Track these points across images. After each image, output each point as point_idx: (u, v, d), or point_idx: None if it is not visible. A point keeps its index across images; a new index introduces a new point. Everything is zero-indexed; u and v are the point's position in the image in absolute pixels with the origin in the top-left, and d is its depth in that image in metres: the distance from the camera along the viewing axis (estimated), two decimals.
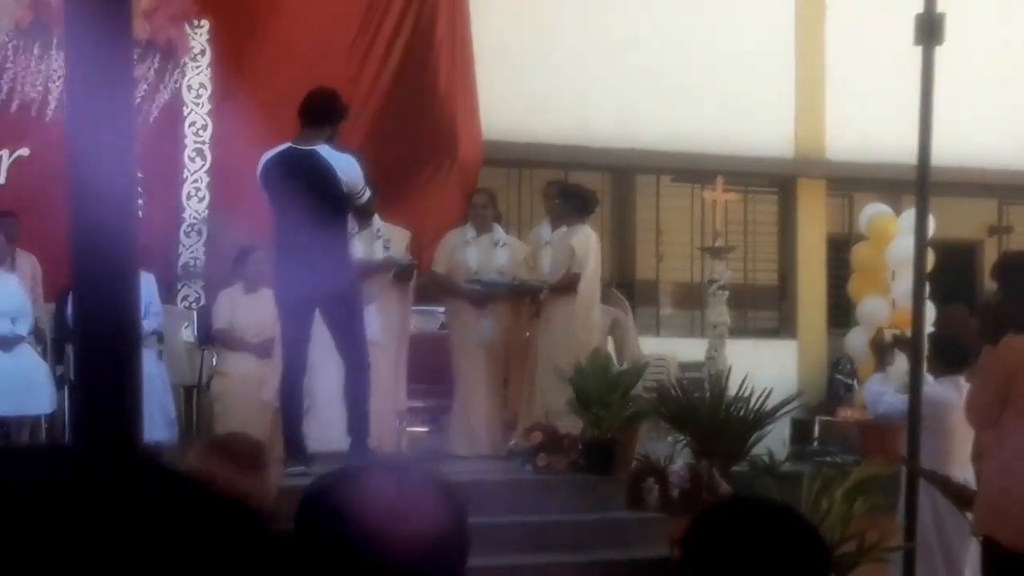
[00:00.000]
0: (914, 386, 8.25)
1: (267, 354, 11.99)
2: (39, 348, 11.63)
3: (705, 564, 2.60)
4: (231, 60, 13.63)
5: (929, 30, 7.82)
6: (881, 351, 9.70)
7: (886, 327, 11.39)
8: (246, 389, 11.76)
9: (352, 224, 10.93)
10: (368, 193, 10.28)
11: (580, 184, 13.32)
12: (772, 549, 2.58)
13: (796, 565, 2.58)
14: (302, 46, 14.08)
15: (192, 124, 13.44)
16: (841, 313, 16.28)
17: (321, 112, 10.16)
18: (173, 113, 13.40)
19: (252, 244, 12.30)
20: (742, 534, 2.60)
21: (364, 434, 10.14)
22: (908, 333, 9.05)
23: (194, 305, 13.21)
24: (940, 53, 7.85)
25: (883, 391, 9.27)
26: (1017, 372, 6.81)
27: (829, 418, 14.29)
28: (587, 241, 12.04)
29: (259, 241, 12.52)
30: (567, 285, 11.85)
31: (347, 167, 10.04)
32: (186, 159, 13.41)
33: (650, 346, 14.72)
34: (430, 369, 12.18)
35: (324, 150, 10.00)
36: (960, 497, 7.38)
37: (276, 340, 11.57)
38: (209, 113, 13.48)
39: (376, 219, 12.01)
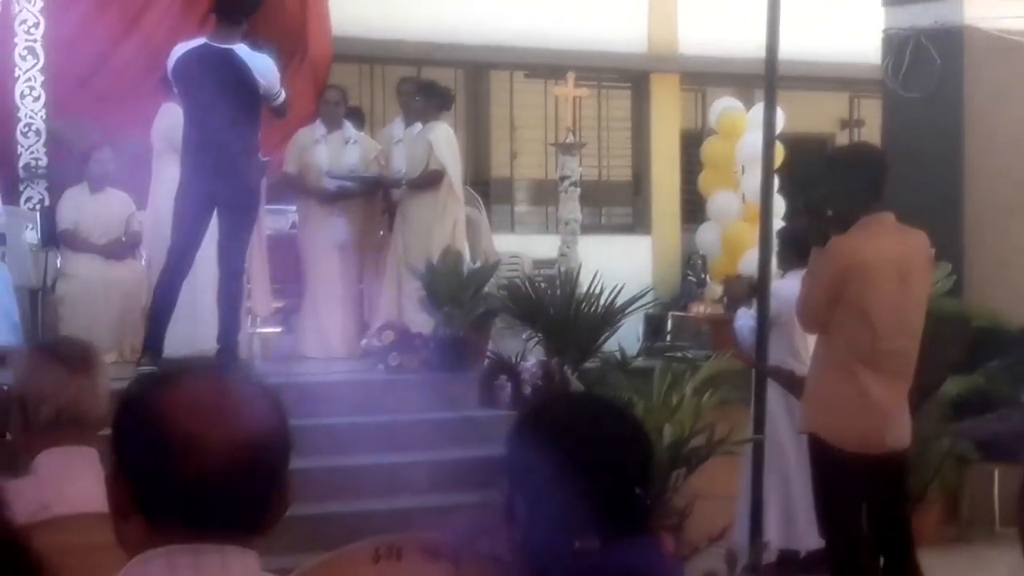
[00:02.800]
0: (762, 285, 8.31)
1: (113, 255, 11.80)
2: None
3: (530, 456, 2.60)
4: None
5: None
6: (737, 299, 9.76)
7: (736, 276, 11.48)
8: (92, 290, 11.59)
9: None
10: (284, 94, 10.21)
11: (435, 80, 13.19)
12: (594, 439, 2.58)
13: (619, 455, 2.58)
14: None
15: (23, 22, 13.07)
16: (694, 208, 16.35)
17: (236, 7, 10.01)
18: (4, 11, 13.03)
19: (96, 143, 12.06)
20: (564, 426, 2.61)
21: (234, 339, 10.12)
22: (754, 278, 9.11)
23: (38, 207, 12.92)
24: None
25: (747, 322, 9.27)
26: (847, 273, 6.80)
27: (682, 313, 14.38)
28: (446, 137, 11.94)
29: (103, 139, 12.30)
30: (428, 181, 11.75)
31: (264, 68, 9.95)
32: (17, 58, 13.06)
33: (506, 243, 14.71)
34: (281, 269, 12.05)
35: (242, 50, 9.88)
36: (802, 391, 7.44)
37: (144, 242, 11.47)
38: (41, 11, 13.12)
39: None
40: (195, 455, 2.19)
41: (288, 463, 2.32)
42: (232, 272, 10.10)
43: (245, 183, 10.01)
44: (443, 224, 11.71)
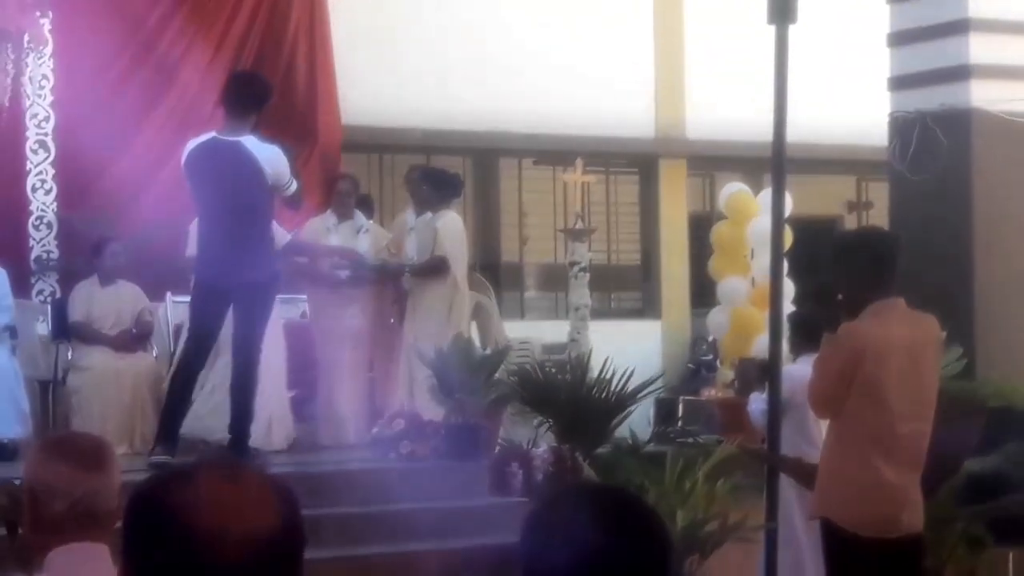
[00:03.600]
0: (773, 369, 8.28)
1: (124, 347, 11.83)
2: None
3: (544, 551, 2.57)
4: (74, 50, 13.37)
5: (782, 9, 7.82)
6: (748, 383, 9.70)
7: (747, 359, 11.47)
8: (104, 382, 11.62)
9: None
10: (295, 184, 10.21)
11: (444, 168, 13.24)
12: (608, 534, 2.55)
13: (635, 548, 2.55)
14: (149, 34, 13.85)
15: (35, 116, 13.18)
16: (703, 292, 16.35)
17: (244, 100, 10.07)
18: (14, 105, 13.13)
19: (108, 236, 12.12)
20: (578, 525, 2.58)
21: (246, 430, 10.11)
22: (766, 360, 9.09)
23: (49, 299, 12.96)
24: (794, 31, 7.85)
25: (761, 405, 9.25)
26: (860, 358, 6.78)
27: (693, 397, 14.35)
28: (453, 224, 11.97)
29: (114, 232, 12.36)
30: (432, 268, 11.77)
31: (273, 159, 9.96)
32: (28, 151, 13.15)
33: (515, 329, 14.70)
34: (293, 357, 12.05)
35: (249, 141, 9.91)
36: (808, 479, 7.39)
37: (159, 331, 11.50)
38: (51, 104, 13.22)
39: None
40: (210, 551, 2.17)
41: (303, 558, 2.30)
42: (246, 363, 10.09)
43: (259, 276, 10.04)
44: (452, 312, 11.72)
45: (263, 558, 2.21)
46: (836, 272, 7.06)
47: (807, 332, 8.52)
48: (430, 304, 11.78)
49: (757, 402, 9.39)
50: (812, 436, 8.62)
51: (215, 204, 9.89)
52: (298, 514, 2.30)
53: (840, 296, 7.06)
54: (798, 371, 8.39)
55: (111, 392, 11.58)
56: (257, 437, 10.49)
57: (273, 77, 14.25)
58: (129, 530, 2.29)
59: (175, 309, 12.58)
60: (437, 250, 11.76)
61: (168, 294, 12.68)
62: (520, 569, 2.60)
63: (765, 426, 8.89)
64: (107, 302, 11.97)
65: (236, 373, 10.13)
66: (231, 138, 9.94)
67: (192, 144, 10.15)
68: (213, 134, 10.15)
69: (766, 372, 9.17)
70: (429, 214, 12.00)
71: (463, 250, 12.06)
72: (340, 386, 11.94)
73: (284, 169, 10.05)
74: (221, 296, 10.02)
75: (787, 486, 8.51)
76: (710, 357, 15.83)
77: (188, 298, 11.91)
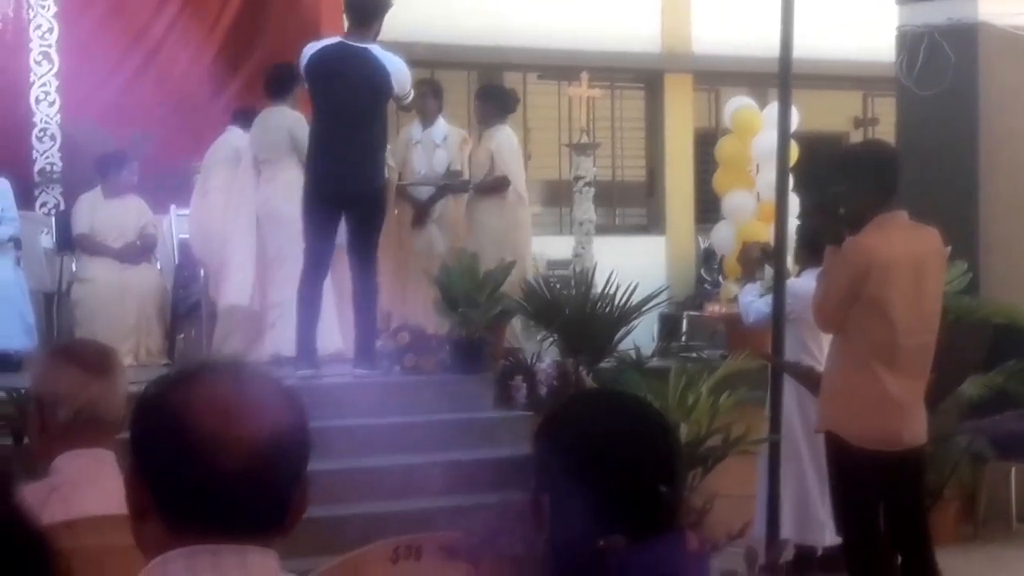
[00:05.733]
0: (778, 281, 8.29)
1: (128, 259, 11.82)
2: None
3: (556, 455, 2.60)
4: None
5: None
6: (750, 265, 9.70)
7: (752, 242, 11.37)
8: (108, 294, 11.63)
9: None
10: (412, 94, 10.60)
11: (498, 84, 13.31)
12: (619, 437, 2.58)
13: (644, 453, 2.58)
14: None
15: (38, 27, 13.09)
16: (708, 208, 16.32)
17: (370, 9, 10.20)
18: (17, 15, 13.06)
19: (124, 152, 12.09)
20: (588, 424, 2.60)
21: (371, 342, 10.26)
22: (771, 244, 9.09)
23: (53, 211, 12.95)
24: None
25: (753, 300, 9.31)
26: (865, 272, 6.78)
27: (697, 313, 14.36)
28: (509, 141, 12.10)
29: (116, 144, 12.34)
30: (496, 186, 11.91)
31: (399, 68, 10.17)
32: (32, 63, 13.09)
33: None
34: None
35: (377, 50, 10.11)
36: (817, 385, 7.42)
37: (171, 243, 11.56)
38: (55, 16, 13.14)
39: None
40: (214, 454, 2.19)
41: (307, 463, 2.31)
42: (365, 274, 10.18)
43: (376, 184, 10.15)
44: (518, 228, 11.89)
45: (267, 462, 2.22)
46: (839, 186, 7.05)
47: (812, 246, 8.51)
48: (487, 221, 11.91)
49: (749, 294, 9.40)
50: (812, 349, 8.63)
51: (340, 109, 9.94)
52: (305, 420, 2.32)
53: (843, 209, 7.05)
54: (801, 286, 8.39)
55: (115, 304, 11.60)
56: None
57: None
58: (135, 431, 2.30)
59: (179, 222, 12.57)
60: (496, 169, 11.88)
61: (172, 207, 12.65)
62: (532, 471, 2.62)
63: (752, 320, 9.07)
64: (111, 214, 11.95)
65: (358, 285, 10.22)
66: (360, 44, 10.06)
67: (315, 47, 10.25)
68: (339, 39, 10.31)
69: (767, 255, 9.20)
70: (483, 129, 12.30)
71: (520, 167, 12.21)
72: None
73: (407, 79, 10.32)
74: (334, 202, 10.05)
75: (787, 398, 8.54)
76: (716, 272, 15.83)
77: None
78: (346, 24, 10.56)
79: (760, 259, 9.49)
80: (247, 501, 2.21)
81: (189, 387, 2.26)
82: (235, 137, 11.78)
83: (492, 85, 13.31)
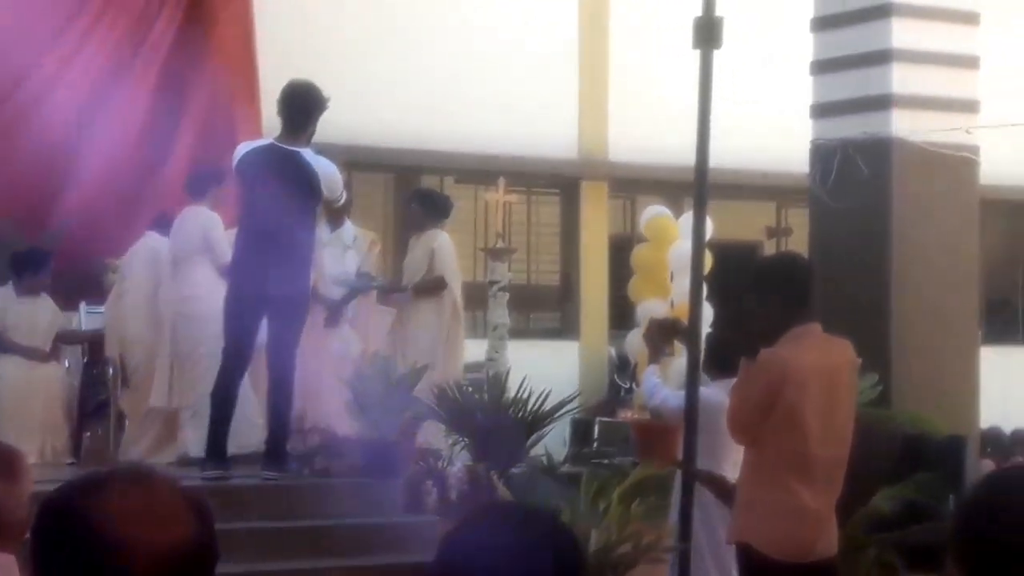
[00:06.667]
0: (691, 388, 8.27)
1: (38, 358, 11.71)
2: None
3: (460, 568, 2.55)
4: None
5: (707, 33, 7.85)
6: (655, 342, 9.47)
7: (658, 318, 11.29)
8: (14, 392, 11.51)
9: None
10: (345, 197, 10.67)
11: (435, 189, 13.38)
12: (523, 552, 2.54)
13: (548, 568, 2.54)
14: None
15: None
16: (622, 314, 16.37)
17: (304, 112, 10.23)
18: None
19: (42, 252, 12.01)
20: (492, 539, 2.56)
21: (283, 442, 10.18)
22: (682, 320, 9.05)
23: None
24: (719, 56, 7.88)
25: (657, 382, 9.21)
26: (780, 385, 6.80)
27: (609, 419, 14.36)
28: (448, 245, 12.26)
29: (29, 242, 12.25)
30: (434, 286, 11.97)
31: (329, 172, 10.20)
32: None
33: None
34: None
35: (308, 154, 10.11)
36: (729, 496, 7.40)
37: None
38: None
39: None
40: (118, 561, 2.15)
41: (214, 569, 2.27)
42: (282, 376, 10.12)
43: (298, 288, 10.14)
44: (450, 331, 12.01)
45: (173, 570, 2.17)
46: (754, 298, 7.07)
47: (721, 356, 8.50)
48: (424, 322, 11.97)
49: (652, 375, 9.26)
50: (722, 460, 8.60)
51: (268, 211, 9.91)
52: (211, 527, 2.28)
53: (756, 323, 7.07)
54: (710, 396, 8.35)
55: (21, 402, 11.47)
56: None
57: (193, 93, 14.17)
58: (38, 537, 2.26)
59: (89, 319, 12.46)
60: (435, 270, 12.00)
61: (82, 304, 12.55)
62: None
63: (659, 408, 9.06)
64: (23, 313, 11.85)
65: (273, 387, 10.19)
66: (290, 147, 10.05)
67: (246, 148, 10.33)
68: (270, 141, 10.33)
69: (670, 332, 9.16)
70: (417, 233, 12.44)
71: (457, 271, 12.28)
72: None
73: (338, 183, 10.36)
74: (257, 304, 10.02)
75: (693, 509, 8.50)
76: (630, 379, 15.84)
77: (102, 308, 11.87)
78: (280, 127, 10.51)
79: (669, 329, 9.33)
80: None
81: (95, 493, 2.22)
82: (152, 240, 11.78)
83: (429, 190, 13.47)
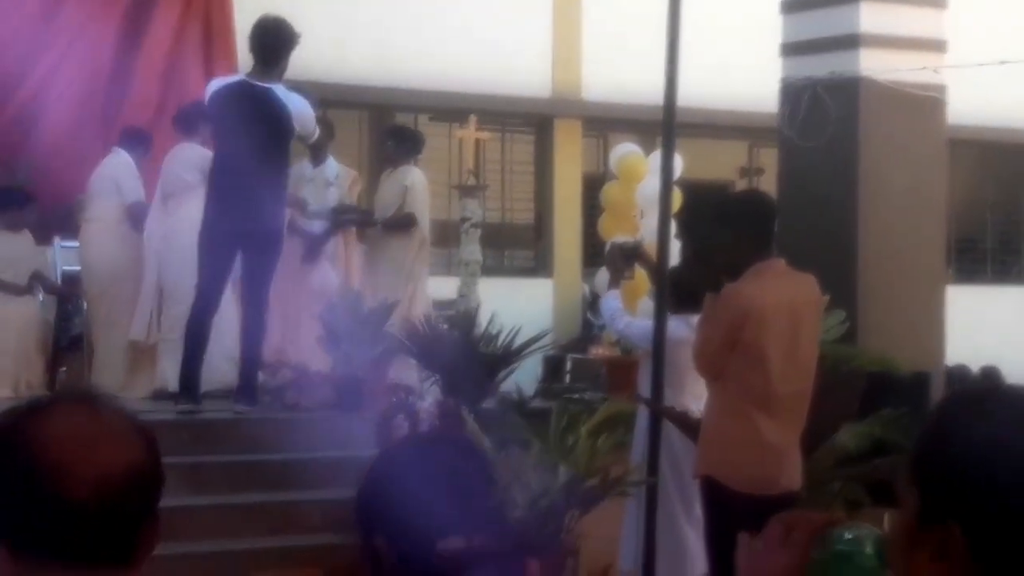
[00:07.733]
0: (658, 324, 8.35)
1: (14, 292, 11.70)
2: None
3: (373, 498, 2.65)
4: None
5: None
6: (615, 266, 9.39)
7: (617, 242, 11.27)
8: None
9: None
10: (318, 132, 10.65)
11: (406, 125, 13.35)
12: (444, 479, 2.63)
13: (465, 491, 2.64)
14: None
15: None
16: (596, 252, 16.43)
17: (275, 48, 10.21)
18: None
19: (26, 192, 12.01)
20: (405, 471, 2.66)
21: (254, 377, 10.31)
22: (642, 244, 9.09)
23: None
24: None
25: (619, 305, 9.19)
26: (743, 320, 6.87)
27: (580, 355, 14.46)
28: (420, 182, 12.23)
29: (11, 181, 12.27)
30: (404, 223, 11.97)
31: (301, 109, 10.21)
32: None
33: None
34: None
35: (280, 90, 10.12)
36: (694, 431, 7.50)
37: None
38: None
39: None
40: (63, 485, 2.17)
41: (158, 500, 2.30)
42: (255, 310, 10.22)
43: (273, 224, 10.18)
44: (415, 267, 11.99)
45: (114, 497, 2.21)
46: (717, 233, 7.14)
47: (683, 291, 8.53)
48: (393, 258, 12.00)
49: (613, 298, 9.25)
50: (684, 392, 8.68)
51: (241, 147, 9.90)
52: (157, 456, 2.30)
53: (719, 256, 7.14)
54: (673, 329, 8.39)
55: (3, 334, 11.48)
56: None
57: (169, 32, 14.11)
58: None
59: (63, 254, 12.48)
60: (407, 207, 11.97)
61: (56, 238, 12.56)
62: (359, 520, 2.67)
63: (621, 334, 9.21)
64: (3, 248, 11.79)
65: (246, 322, 10.30)
66: (262, 83, 10.06)
67: (218, 84, 10.32)
68: (241, 77, 10.35)
69: (630, 257, 9.21)
70: (390, 169, 12.37)
71: (427, 208, 12.30)
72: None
73: (311, 119, 10.37)
74: (231, 240, 10.07)
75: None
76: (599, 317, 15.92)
77: (75, 243, 11.88)
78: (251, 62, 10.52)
79: (624, 260, 9.33)
80: (96, 533, 2.20)
81: (39, 418, 2.24)
82: (118, 157, 11.73)
83: (402, 126, 13.43)
